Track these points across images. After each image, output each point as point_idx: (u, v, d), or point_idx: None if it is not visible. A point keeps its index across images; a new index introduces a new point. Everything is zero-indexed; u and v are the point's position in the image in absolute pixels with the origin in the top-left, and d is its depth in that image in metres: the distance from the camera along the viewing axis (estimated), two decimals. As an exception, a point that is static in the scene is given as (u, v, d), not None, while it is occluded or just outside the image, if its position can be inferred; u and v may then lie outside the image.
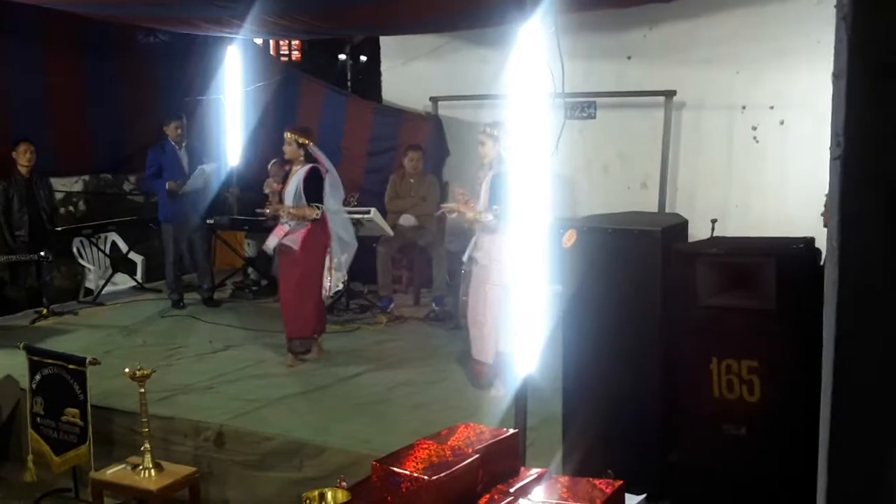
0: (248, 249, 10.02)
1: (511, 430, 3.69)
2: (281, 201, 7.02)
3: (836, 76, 1.14)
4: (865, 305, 1.13)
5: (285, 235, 6.92)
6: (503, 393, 6.19)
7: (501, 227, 6.04)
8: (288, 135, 6.96)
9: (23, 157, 8.41)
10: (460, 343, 7.09)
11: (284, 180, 7.19)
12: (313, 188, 6.89)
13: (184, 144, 8.99)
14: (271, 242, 7.05)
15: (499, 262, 6.05)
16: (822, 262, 4.39)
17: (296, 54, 15.74)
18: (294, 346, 7.10)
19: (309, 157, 6.97)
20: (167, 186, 8.76)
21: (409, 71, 10.46)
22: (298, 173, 6.92)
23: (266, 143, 10.08)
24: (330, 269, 7.10)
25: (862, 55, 1.10)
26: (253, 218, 9.21)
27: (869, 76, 1.09)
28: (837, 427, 1.19)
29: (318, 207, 6.86)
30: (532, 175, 4.37)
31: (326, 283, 7.11)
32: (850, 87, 1.11)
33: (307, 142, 6.96)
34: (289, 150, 6.95)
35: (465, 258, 6.38)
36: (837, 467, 1.21)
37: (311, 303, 7.03)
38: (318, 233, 6.96)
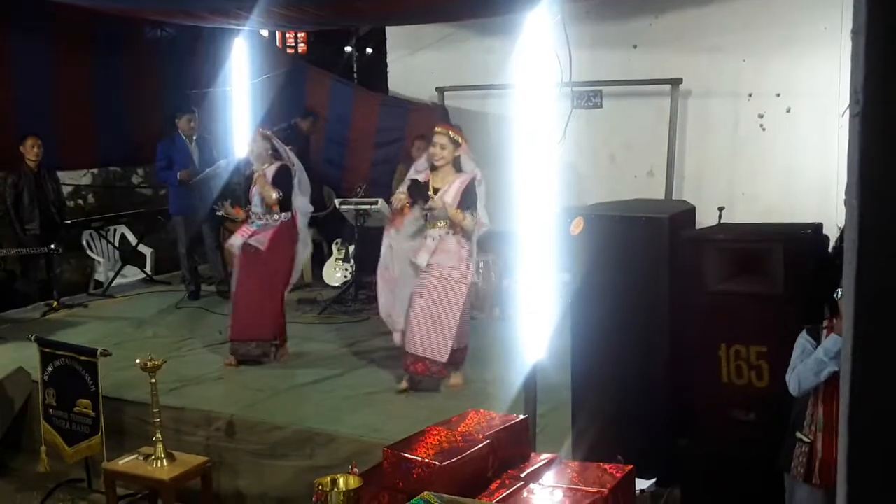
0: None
1: (521, 416, 3.72)
2: (248, 203, 7.00)
3: (855, 32, 1.14)
4: (887, 264, 1.13)
5: (251, 235, 6.85)
6: (460, 382, 6.25)
7: (469, 232, 6.03)
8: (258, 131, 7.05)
9: (31, 152, 8.44)
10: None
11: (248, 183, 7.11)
12: (283, 184, 6.85)
13: (195, 138, 9.02)
14: (235, 241, 6.93)
15: (464, 265, 6.03)
16: (830, 248, 4.41)
17: (302, 46, 15.73)
18: (238, 347, 6.89)
19: (276, 154, 6.94)
20: (179, 176, 8.79)
21: (416, 61, 10.46)
22: (266, 172, 6.88)
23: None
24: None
25: (882, 11, 1.11)
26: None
27: (889, 32, 1.10)
28: (859, 407, 1.20)
29: (277, 192, 6.81)
30: (538, 164, 4.39)
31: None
32: (869, 44, 1.11)
33: (270, 134, 7.00)
34: (256, 147, 6.92)
35: (423, 263, 6.03)
36: (858, 450, 1.21)
37: (273, 303, 6.90)
38: (287, 233, 6.90)
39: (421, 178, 6.14)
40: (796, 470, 3.85)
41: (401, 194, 6.17)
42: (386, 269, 6.23)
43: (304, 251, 7.13)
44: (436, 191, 6.04)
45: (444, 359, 6.03)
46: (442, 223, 6.04)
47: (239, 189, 10.00)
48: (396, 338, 6.29)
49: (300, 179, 6.96)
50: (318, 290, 9.26)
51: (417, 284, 6.10)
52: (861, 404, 1.18)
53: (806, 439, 3.81)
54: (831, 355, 3.57)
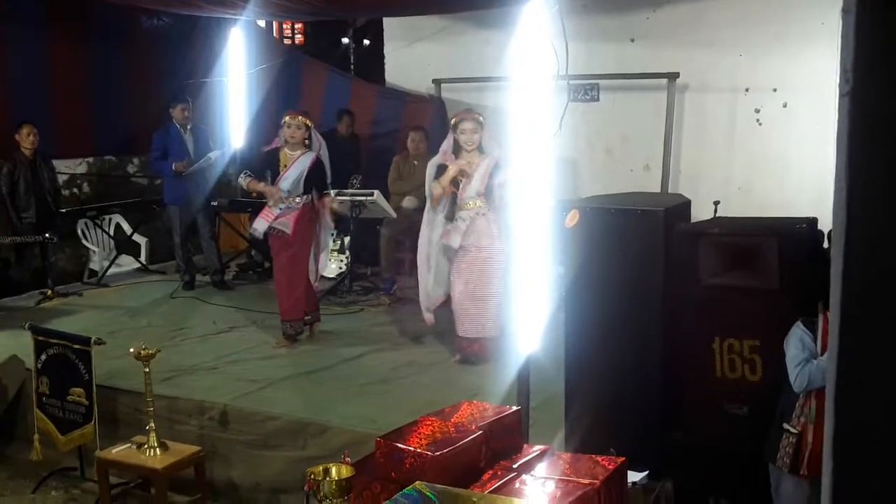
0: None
1: (514, 408, 3.73)
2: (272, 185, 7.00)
3: (845, 11, 1.14)
4: (875, 245, 1.13)
5: (276, 219, 6.90)
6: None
7: (500, 210, 6.15)
8: (299, 119, 6.93)
9: (26, 140, 8.41)
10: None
11: (272, 162, 7.09)
12: (318, 178, 6.95)
13: (189, 127, 8.99)
14: (260, 226, 6.99)
15: (499, 241, 6.16)
16: (825, 243, 4.42)
17: (299, 37, 15.71)
18: (286, 327, 7.10)
19: (309, 142, 6.98)
20: (174, 167, 8.77)
21: (413, 53, 10.45)
22: (302, 160, 6.90)
23: (269, 126, 10.07)
24: (318, 252, 7.17)
25: None
26: (256, 200, 9.21)
27: (879, 11, 1.09)
28: (844, 400, 1.20)
29: (329, 195, 6.99)
30: (534, 157, 4.39)
31: (313, 266, 7.14)
32: (859, 22, 1.11)
33: (312, 124, 7.01)
34: (298, 133, 6.88)
35: (455, 245, 6.25)
36: (844, 434, 1.21)
37: (301, 285, 7.03)
38: (310, 216, 7.00)
39: (449, 163, 6.34)
40: (782, 460, 3.86)
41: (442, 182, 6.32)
42: (429, 258, 6.49)
43: (326, 236, 7.30)
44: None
45: (496, 333, 6.27)
46: (472, 204, 6.20)
47: (234, 179, 10.02)
48: (428, 318, 6.60)
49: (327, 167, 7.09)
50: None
51: (455, 267, 6.32)
52: (848, 388, 1.18)
53: (793, 430, 3.83)
54: None
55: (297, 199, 6.91)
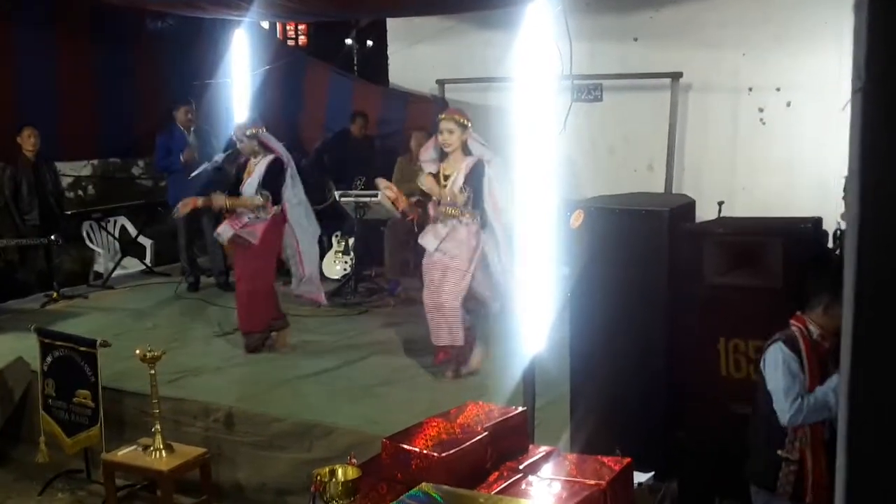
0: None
1: (519, 409, 3.73)
2: (238, 195, 6.90)
3: (857, 7, 1.14)
4: (890, 242, 1.12)
5: (243, 227, 6.78)
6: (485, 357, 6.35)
7: (475, 217, 6.02)
8: (239, 134, 6.92)
9: (27, 142, 8.43)
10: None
11: (239, 173, 7.04)
12: (273, 180, 6.82)
13: (192, 129, 9.00)
14: (225, 232, 6.88)
15: (474, 253, 6.03)
16: (829, 243, 4.42)
17: (302, 38, 15.75)
18: (247, 340, 6.98)
19: (264, 147, 6.90)
20: (182, 157, 8.75)
21: (416, 54, 10.45)
22: (260, 164, 6.84)
23: (272, 127, 10.06)
24: (289, 257, 7.04)
25: None
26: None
27: (891, 7, 1.09)
28: (856, 401, 1.19)
29: (265, 196, 6.79)
30: (537, 157, 4.39)
31: (307, 270, 7.07)
32: (871, 19, 1.10)
33: (255, 131, 6.90)
34: (248, 147, 6.86)
35: (430, 248, 6.08)
36: (858, 448, 1.20)
37: (261, 296, 6.88)
38: (278, 227, 6.88)
39: (433, 169, 6.17)
40: (783, 489, 3.77)
41: (387, 190, 6.37)
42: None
43: (304, 239, 7.04)
44: (446, 177, 6.06)
45: (461, 342, 6.16)
46: (454, 211, 6.04)
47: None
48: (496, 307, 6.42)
49: (291, 172, 6.95)
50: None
51: (424, 271, 6.21)
52: (864, 397, 1.17)
53: (792, 458, 3.74)
54: None
55: (267, 210, 6.81)
